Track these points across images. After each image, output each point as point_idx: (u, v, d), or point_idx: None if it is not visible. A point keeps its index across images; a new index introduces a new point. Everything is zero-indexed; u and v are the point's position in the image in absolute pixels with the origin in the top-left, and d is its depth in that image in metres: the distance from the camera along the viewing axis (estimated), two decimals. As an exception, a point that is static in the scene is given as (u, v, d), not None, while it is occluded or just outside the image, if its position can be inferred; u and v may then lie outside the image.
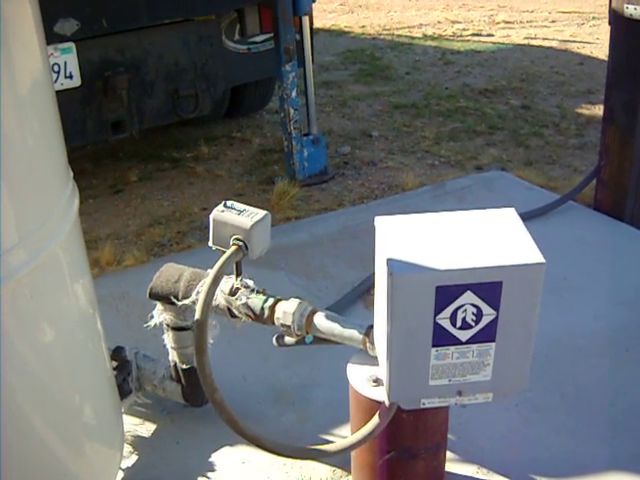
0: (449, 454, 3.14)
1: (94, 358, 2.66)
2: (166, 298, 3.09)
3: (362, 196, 6.13)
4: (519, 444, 3.30)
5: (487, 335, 2.26)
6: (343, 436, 3.25)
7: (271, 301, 2.87)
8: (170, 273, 3.14)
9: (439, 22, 13.30)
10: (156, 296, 3.14)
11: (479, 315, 2.21)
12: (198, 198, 6.13)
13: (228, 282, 2.97)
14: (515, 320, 2.24)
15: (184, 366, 3.27)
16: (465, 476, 3.13)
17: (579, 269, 4.62)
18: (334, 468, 3.16)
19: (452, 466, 3.15)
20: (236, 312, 2.92)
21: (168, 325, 3.21)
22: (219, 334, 3.22)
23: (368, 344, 2.66)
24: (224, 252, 2.75)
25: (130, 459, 3.24)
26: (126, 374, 3.38)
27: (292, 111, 6.17)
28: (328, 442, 3.02)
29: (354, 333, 2.69)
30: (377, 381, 2.64)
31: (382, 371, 2.40)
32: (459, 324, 2.22)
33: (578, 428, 3.38)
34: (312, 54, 6.65)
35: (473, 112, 8.32)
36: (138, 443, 3.34)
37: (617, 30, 5.12)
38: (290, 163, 6.31)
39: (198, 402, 3.39)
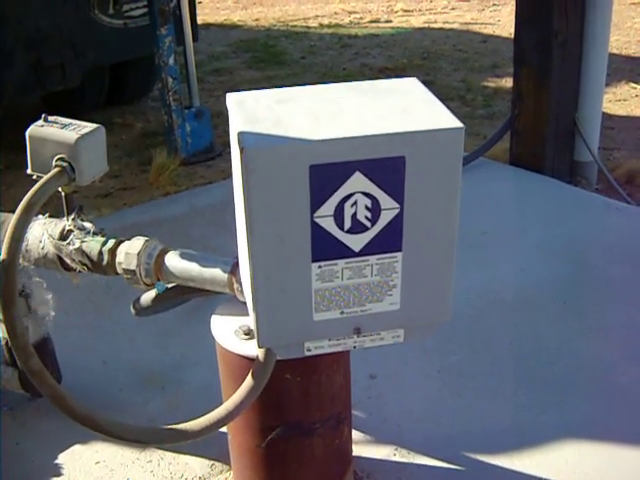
0: (358, 435, 2.50)
1: None
2: (-17, 254, 2.38)
3: (253, 169, 5.46)
4: (446, 417, 2.67)
5: (390, 241, 1.59)
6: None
7: (112, 243, 2.19)
8: (-14, 221, 2.44)
9: (336, 13, 12.77)
10: (-30, 252, 2.42)
11: (376, 210, 1.55)
12: (69, 182, 5.38)
13: (58, 225, 2.29)
14: (428, 216, 1.59)
15: (17, 345, 2.54)
16: (380, 460, 2.48)
17: (499, 223, 4.03)
18: (212, 462, 2.48)
19: (362, 449, 2.50)
20: (69, 261, 2.23)
21: (-9, 291, 2.49)
22: (73, 314, 2.54)
23: (235, 285, 1.99)
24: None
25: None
26: (-51, 361, 2.65)
27: (170, 80, 5.47)
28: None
29: (217, 272, 2.02)
30: (250, 333, 1.97)
31: (249, 312, 1.72)
32: (348, 225, 1.55)
33: (516, 393, 2.77)
34: (194, 28, 6.00)
35: (373, 89, 7.75)
36: (-34, 449, 2.62)
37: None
38: (171, 139, 5.61)
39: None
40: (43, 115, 2.23)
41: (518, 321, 3.18)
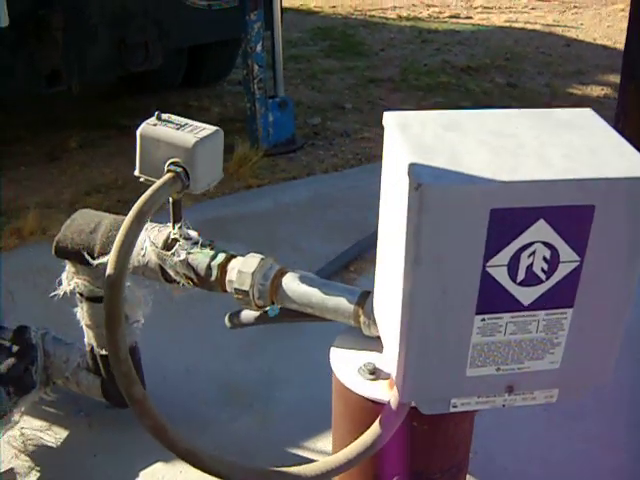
0: (461, 476, 2.31)
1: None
2: (78, 255, 2.23)
3: (336, 166, 5.27)
4: (554, 462, 2.47)
5: (562, 296, 1.41)
6: (318, 450, 2.41)
7: (222, 257, 2.03)
8: (85, 221, 2.29)
9: (414, 5, 12.50)
10: (64, 252, 2.28)
11: (554, 262, 1.36)
12: (146, 165, 5.21)
13: (162, 232, 2.12)
14: (607, 271, 1.40)
15: (103, 352, 2.40)
16: (486, 506, 2.30)
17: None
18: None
19: (467, 492, 2.31)
20: (172, 273, 2.06)
21: (82, 294, 2.35)
22: (156, 315, 2.39)
23: (362, 318, 1.81)
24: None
25: (28, 478, 2.37)
26: (29, 362, 2.53)
27: (256, 68, 5.30)
28: (298, 457, 2.21)
29: (341, 302, 1.85)
30: (375, 372, 1.79)
31: (388, 357, 1.54)
32: (521, 277, 1.37)
33: (630, 441, 2.56)
34: (281, 13, 5.83)
35: (456, 88, 7.55)
36: (41, 455, 2.51)
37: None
38: (253, 129, 5.44)
39: (123, 401, 2.52)
40: (156, 112, 2.08)
41: (626, 359, 2.96)
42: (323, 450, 2.41)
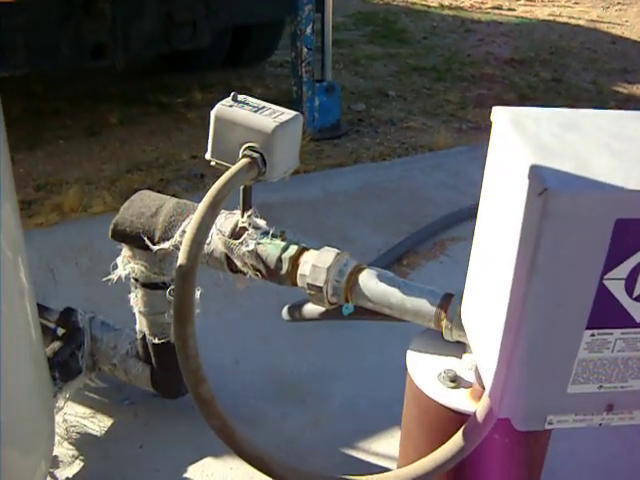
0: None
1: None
2: (137, 239, 2.14)
3: (382, 154, 5.17)
4: (618, 473, 2.37)
5: (678, 314, 1.31)
6: (373, 452, 2.33)
7: (293, 250, 1.93)
8: (145, 204, 2.20)
9: (456, -6, 12.37)
10: (122, 235, 2.18)
11: (675, 278, 1.26)
12: (187, 145, 5.12)
13: (229, 219, 2.03)
14: None
15: (156, 340, 2.31)
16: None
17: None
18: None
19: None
20: (239, 264, 1.97)
21: (137, 280, 2.26)
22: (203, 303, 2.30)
23: (444, 322, 1.72)
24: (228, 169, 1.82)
25: (71, 467, 2.31)
26: (75, 347, 2.44)
27: (305, 50, 5.18)
28: (352, 459, 2.15)
29: (423, 304, 1.75)
30: (456, 380, 1.70)
31: (483, 368, 1.45)
32: (638, 291, 1.27)
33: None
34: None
35: (500, 80, 7.43)
36: (85, 443, 2.42)
37: None
38: (298, 112, 5.32)
39: (173, 392, 2.44)
40: (232, 93, 1.98)
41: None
42: (378, 452, 2.32)
